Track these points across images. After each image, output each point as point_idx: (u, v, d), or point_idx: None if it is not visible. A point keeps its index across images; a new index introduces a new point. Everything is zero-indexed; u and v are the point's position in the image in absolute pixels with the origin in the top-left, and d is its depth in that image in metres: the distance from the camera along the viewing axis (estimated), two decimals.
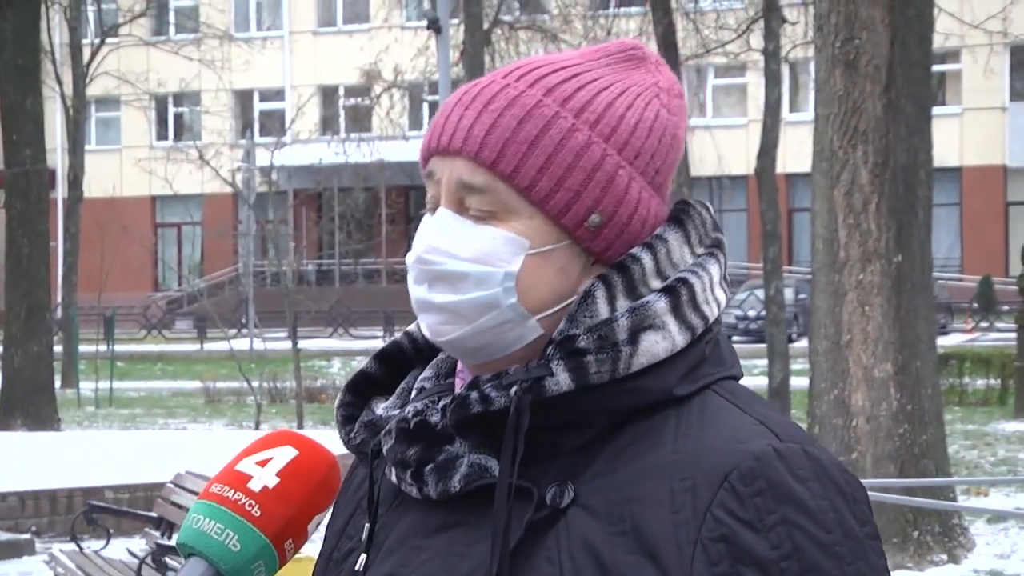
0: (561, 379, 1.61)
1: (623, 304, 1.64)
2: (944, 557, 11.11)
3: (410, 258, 1.69)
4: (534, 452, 1.62)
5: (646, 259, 1.66)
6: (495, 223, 1.65)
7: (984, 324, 38.71)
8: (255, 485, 1.65)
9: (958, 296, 41.05)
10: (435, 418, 1.67)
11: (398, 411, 1.72)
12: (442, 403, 1.68)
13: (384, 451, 1.70)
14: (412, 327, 1.80)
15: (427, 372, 1.77)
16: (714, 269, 1.71)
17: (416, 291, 1.68)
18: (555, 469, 1.63)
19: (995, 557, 11.51)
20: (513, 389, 1.62)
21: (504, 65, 1.90)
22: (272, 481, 1.65)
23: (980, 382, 23.31)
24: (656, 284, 1.67)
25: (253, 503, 1.64)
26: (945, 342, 27.49)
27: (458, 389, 1.70)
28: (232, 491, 1.64)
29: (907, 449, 10.97)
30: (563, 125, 1.65)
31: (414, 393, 1.74)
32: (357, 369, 1.81)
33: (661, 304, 1.64)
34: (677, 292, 1.66)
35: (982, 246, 43.83)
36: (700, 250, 1.71)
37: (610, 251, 1.67)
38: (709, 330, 1.68)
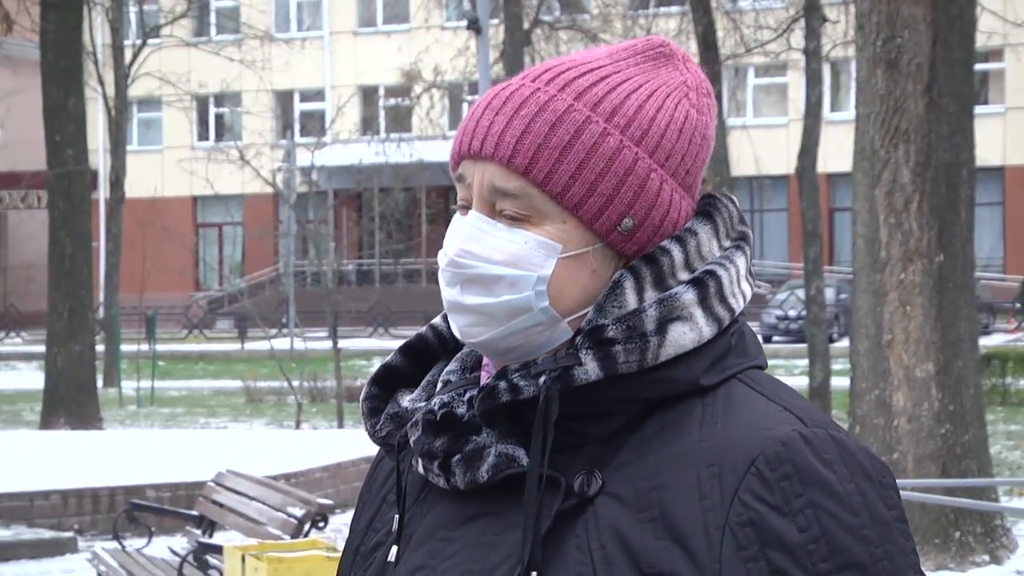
0: (590, 368, 1.62)
1: (651, 295, 1.66)
2: (986, 558, 11.05)
3: (442, 260, 1.70)
4: (561, 441, 1.63)
5: (676, 252, 1.68)
6: (527, 227, 1.66)
7: None
8: None
9: (1001, 296, 40.81)
10: (461, 410, 1.68)
11: (424, 403, 1.73)
12: (468, 395, 1.69)
13: (411, 443, 1.71)
14: (437, 320, 1.81)
15: (452, 365, 1.77)
16: (741, 262, 1.72)
17: (448, 293, 1.70)
18: (582, 458, 1.64)
19: None
20: (542, 379, 1.63)
21: None
22: None
23: (1023, 382, 23.17)
24: (684, 276, 1.68)
25: None
26: (988, 342, 27.33)
27: (484, 381, 1.71)
28: None
29: (949, 449, 10.91)
30: (594, 130, 1.66)
31: (440, 386, 1.75)
32: (382, 362, 1.82)
33: (689, 296, 1.65)
34: (705, 284, 1.67)
35: None
36: (727, 243, 1.73)
37: (642, 253, 1.68)
38: (735, 321, 1.70)
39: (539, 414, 1.62)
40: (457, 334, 1.72)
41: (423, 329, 1.82)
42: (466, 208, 1.70)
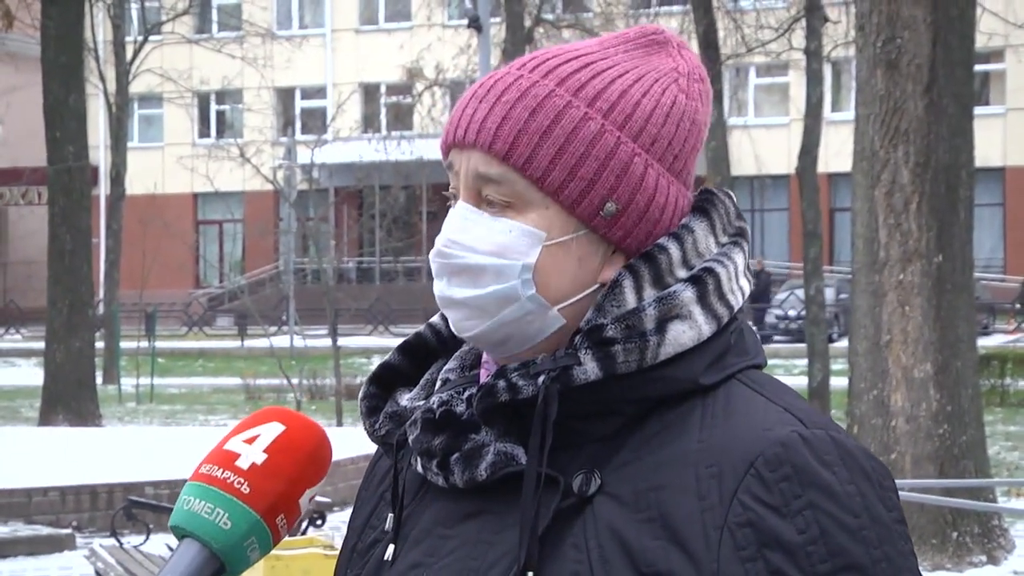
0: (589, 368, 1.62)
1: (650, 294, 1.65)
2: (983, 558, 11.06)
3: (432, 252, 1.70)
4: (560, 440, 1.63)
5: (673, 249, 1.67)
6: (512, 215, 1.66)
7: None
8: (243, 463, 1.65)
9: (1001, 297, 40.81)
10: (460, 408, 1.68)
11: (423, 402, 1.73)
12: (467, 393, 1.69)
13: (409, 441, 1.71)
14: (435, 319, 1.81)
15: (451, 363, 1.77)
16: (739, 258, 1.72)
17: (437, 286, 1.70)
18: (581, 457, 1.64)
19: None
20: (541, 378, 1.63)
21: None
22: (260, 458, 1.65)
23: (1022, 383, 23.18)
24: (682, 274, 1.67)
25: (242, 480, 1.64)
26: (987, 343, 27.35)
27: (483, 380, 1.71)
28: (220, 470, 1.65)
29: (947, 450, 10.92)
30: (575, 114, 1.66)
31: (439, 384, 1.75)
32: (381, 361, 1.82)
33: (688, 294, 1.65)
34: (704, 281, 1.66)
35: None
36: (724, 239, 1.72)
37: (629, 239, 1.67)
38: (734, 319, 1.69)
39: (537, 413, 1.62)
40: (453, 329, 1.72)
41: (422, 328, 1.82)
42: (457, 198, 1.71)
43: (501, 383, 1.64)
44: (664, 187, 1.68)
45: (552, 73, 1.68)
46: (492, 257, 1.66)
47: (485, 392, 1.65)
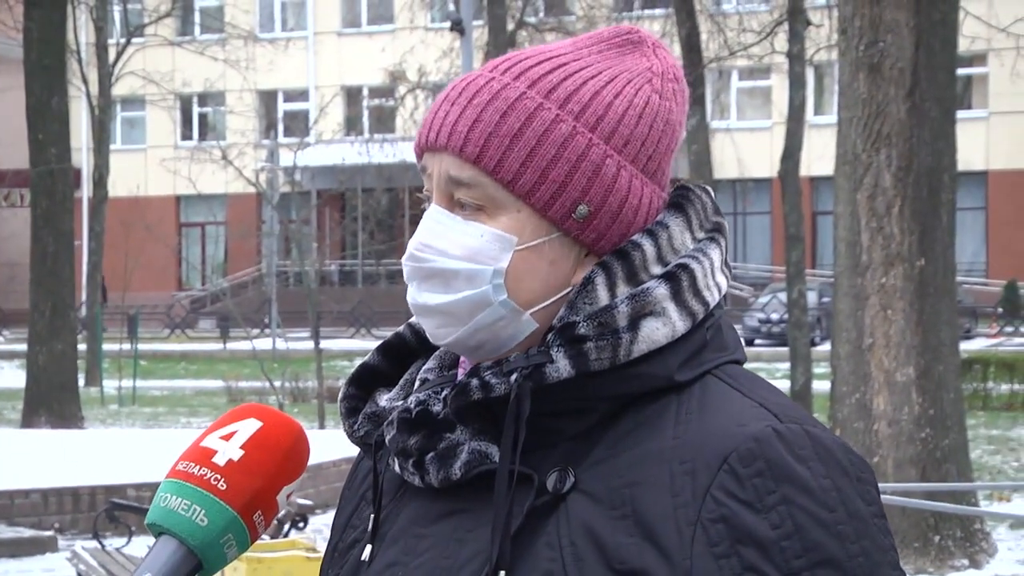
0: (561, 366, 1.61)
1: (623, 291, 1.64)
2: (966, 562, 11.08)
3: (404, 256, 1.70)
4: (535, 439, 1.63)
5: (647, 245, 1.66)
6: (484, 218, 1.66)
7: (1009, 329, 38.55)
8: (220, 459, 1.65)
9: (983, 300, 40.90)
10: (436, 408, 1.68)
11: (401, 402, 1.73)
12: (444, 393, 1.69)
13: (386, 441, 1.71)
14: (415, 318, 1.80)
15: (430, 363, 1.77)
16: (715, 254, 1.70)
17: (409, 292, 1.70)
18: (555, 456, 1.63)
19: (1017, 563, 11.47)
20: (513, 376, 1.62)
21: None
22: (237, 454, 1.65)
23: (1004, 387, 23.22)
24: (657, 270, 1.67)
25: (218, 477, 1.64)
26: (970, 347, 27.40)
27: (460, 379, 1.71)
28: (197, 467, 1.65)
29: (929, 453, 10.94)
30: (546, 117, 1.65)
31: (417, 384, 1.75)
32: (361, 362, 1.82)
33: (661, 290, 1.64)
34: (678, 278, 1.65)
35: (1008, 250, 43.64)
36: (701, 235, 1.71)
37: (602, 241, 1.67)
38: (711, 315, 1.68)
39: (510, 411, 1.61)
40: (429, 337, 1.71)
41: (401, 328, 1.82)
42: (431, 200, 1.70)
43: (474, 381, 1.64)
44: (637, 188, 1.67)
45: (524, 75, 1.67)
46: (463, 262, 1.65)
47: (459, 391, 1.64)
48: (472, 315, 1.66)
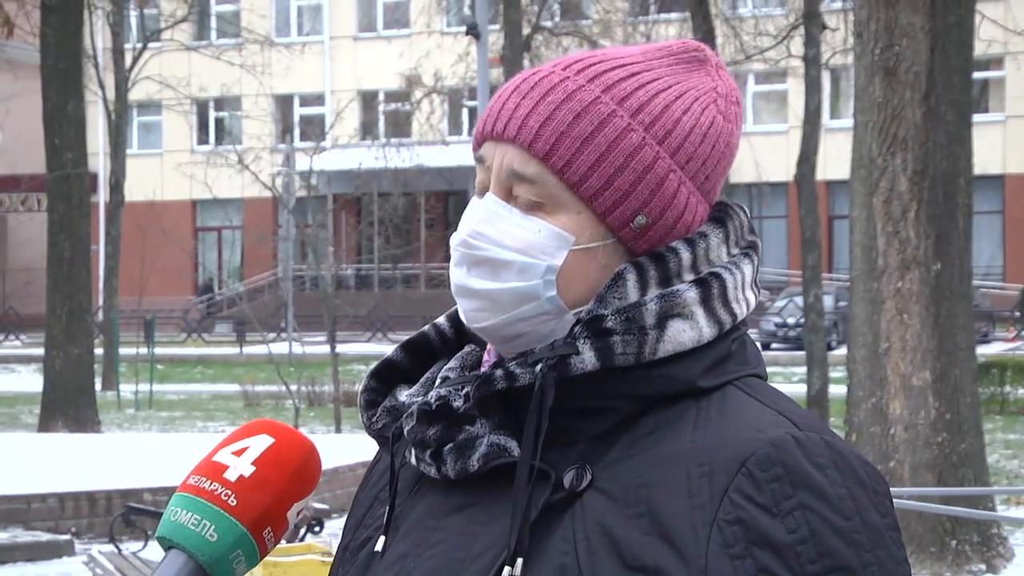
0: (587, 358, 1.62)
1: (654, 292, 1.66)
2: (983, 567, 11.05)
3: (454, 240, 1.70)
4: (554, 437, 1.63)
5: (684, 252, 1.68)
6: (542, 215, 1.67)
7: None
8: (231, 475, 1.65)
9: (1000, 305, 40.80)
10: (457, 403, 1.69)
11: (420, 398, 1.74)
12: (465, 390, 1.70)
13: (405, 432, 1.72)
14: (440, 319, 1.82)
15: (452, 363, 1.78)
16: (747, 269, 1.72)
17: (456, 274, 1.70)
18: (573, 454, 1.64)
19: None
20: (538, 366, 1.63)
21: None
22: (248, 470, 1.66)
23: (1021, 391, 23.17)
24: (690, 278, 1.68)
25: (229, 493, 1.64)
26: (986, 351, 27.35)
27: None
28: (208, 482, 1.65)
29: (945, 458, 10.91)
30: (618, 124, 1.66)
31: (438, 382, 1.75)
32: (384, 357, 1.82)
33: (691, 294, 1.66)
34: (708, 284, 1.67)
35: None
36: (736, 251, 1.73)
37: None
38: (737, 328, 1.70)
39: (534, 401, 1.62)
40: (463, 318, 1.72)
41: (426, 327, 1.83)
42: (484, 191, 1.71)
43: (499, 372, 1.65)
44: (693, 205, 1.69)
45: (598, 79, 1.68)
46: (517, 254, 1.66)
47: (483, 380, 1.65)
48: (516, 306, 1.67)
